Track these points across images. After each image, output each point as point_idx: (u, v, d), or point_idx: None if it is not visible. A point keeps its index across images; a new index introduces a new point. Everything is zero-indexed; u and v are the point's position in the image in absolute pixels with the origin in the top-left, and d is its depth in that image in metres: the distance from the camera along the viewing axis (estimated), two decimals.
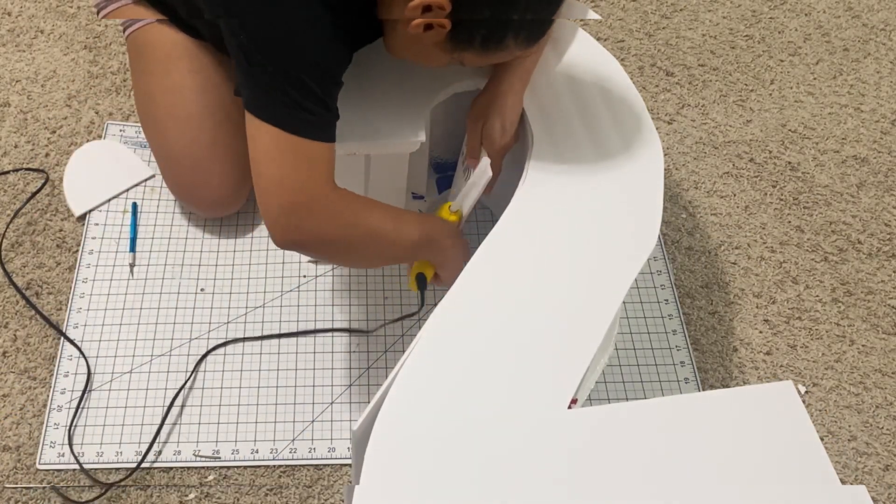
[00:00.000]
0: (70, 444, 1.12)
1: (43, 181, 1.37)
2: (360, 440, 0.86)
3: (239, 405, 1.18)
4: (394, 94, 1.18)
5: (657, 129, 1.16)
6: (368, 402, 1.19)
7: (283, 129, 0.91)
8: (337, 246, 1.00)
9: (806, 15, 1.79)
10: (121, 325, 1.24)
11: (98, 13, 1.29)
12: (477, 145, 1.15)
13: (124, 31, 1.29)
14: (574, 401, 0.92)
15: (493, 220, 1.36)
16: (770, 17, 1.78)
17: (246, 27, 0.91)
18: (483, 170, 1.14)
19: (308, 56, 0.91)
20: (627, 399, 1.22)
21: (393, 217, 1.01)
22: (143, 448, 1.12)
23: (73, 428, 1.13)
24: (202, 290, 1.29)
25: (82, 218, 1.35)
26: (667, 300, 1.32)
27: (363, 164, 1.18)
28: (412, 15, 0.89)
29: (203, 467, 1.12)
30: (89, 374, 1.18)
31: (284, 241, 0.94)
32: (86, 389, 1.17)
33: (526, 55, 1.07)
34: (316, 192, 0.94)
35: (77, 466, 1.10)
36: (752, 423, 0.88)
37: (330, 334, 1.25)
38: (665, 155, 1.49)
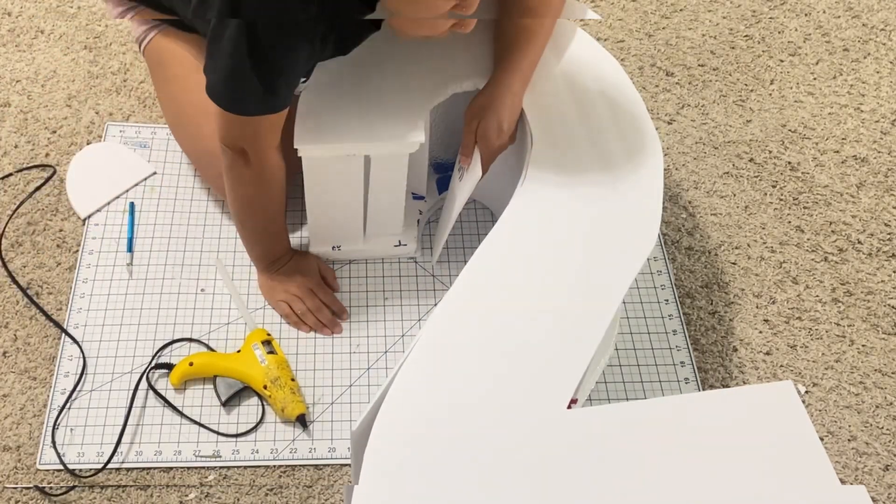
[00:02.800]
0: (54, 444, 1.12)
1: (49, 174, 1.38)
2: (359, 440, 0.86)
3: (240, 405, 1.18)
4: (394, 95, 1.18)
5: (657, 129, 1.16)
6: (368, 403, 1.20)
7: (230, 111, 1.04)
8: (223, 189, 1.20)
9: (806, 15, 1.79)
10: (121, 325, 1.24)
11: (140, 46, 1.31)
12: (471, 144, 1.15)
13: (139, 46, 1.29)
14: (574, 401, 0.92)
15: (494, 221, 1.37)
16: (770, 17, 1.78)
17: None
18: (474, 169, 1.14)
19: (273, 37, 0.99)
20: (627, 399, 1.22)
21: (255, 227, 1.22)
22: (143, 448, 1.13)
23: (55, 429, 1.13)
24: (202, 290, 1.29)
25: (87, 219, 1.35)
26: (667, 300, 1.32)
27: (363, 165, 1.18)
28: None
29: (203, 467, 1.12)
30: (83, 373, 1.18)
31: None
32: (76, 388, 1.17)
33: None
34: (238, 149, 1.10)
35: (76, 465, 1.10)
36: (752, 423, 0.88)
37: (330, 333, 1.26)
38: (665, 155, 1.49)
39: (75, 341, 1.21)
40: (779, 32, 1.75)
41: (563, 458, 0.84)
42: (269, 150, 1.10)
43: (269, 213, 1.21)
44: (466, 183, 1.17)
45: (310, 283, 1.26)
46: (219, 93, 1.04)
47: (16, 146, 1.42)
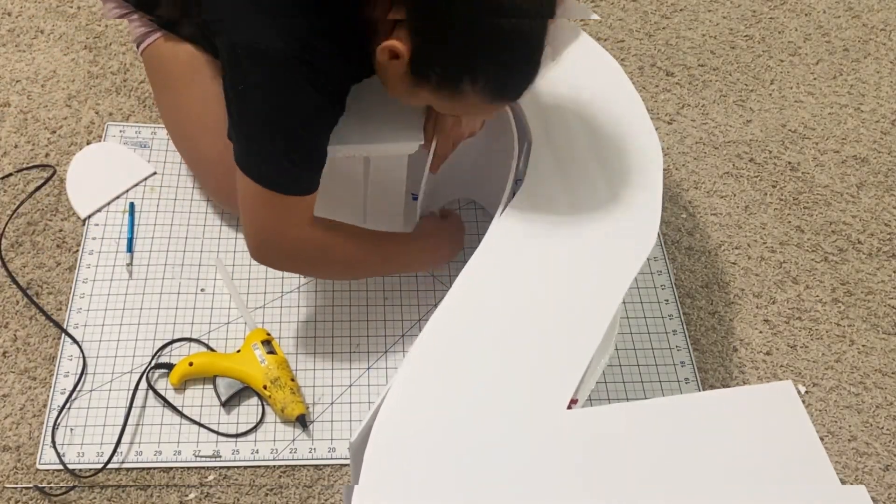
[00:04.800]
0: (54, 444, 1.12)
1: (49, 174, 1.38)
2: (359, 449, 0.86)
3: (239, 405, 1.18)
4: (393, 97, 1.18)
5: (657, 129, 1.16)
6: (369, 403, 1.20)
7: (262, 185, 1.00)
8: (311, 272, 1.21)
9: (806, 15, 1.79)
10: (121, 325, 1.24)
11: (137, 47, 1.30)
12: (430, 129, 1.16)
13: (138, 47, 1.29)
14: (574, 401, 0.92)
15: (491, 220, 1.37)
16: (770, 17, 1.78)
17: (250, 92, 0.98)
18: (430, 150, 1.16)
19: (302, 130, 1.00)
20: (627, 399, 1.22)
21: (374, 248, 1.16)
22: (143, 448, 1.13)
23: (55, 429, 1.13)
24: (202, 290, 1.29)
25: (87, 219, 1.35)
26: (667, 300, 1.33)
27: (362, 166, 1.18)
28: (381, 58, 0.95)
29: (203, 467, 1.12)
30: (82, 373, 1.18)
31: (260, 263, 1.11)
32: (76, 388, 1.17)
33: (493, 109, 1.06)
34: (286, 235, 1.05)
35: (75, 465, 1.10)
36: (752, 423, 0.88)
37: (330, 334, 1.25)
38: (665, 155, 1.49)
39: (75, 341, 1.21)
40: (779, 32, 1.75)
41: (563, 458, 0.84)
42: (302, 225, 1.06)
43: (359, 252, 1.14)
44: (425, 168, 1.19)
45: (444, 225, 1.28)
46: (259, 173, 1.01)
47: (16, 146, 1.42)
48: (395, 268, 1.26)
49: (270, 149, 0.99)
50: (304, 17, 0.95)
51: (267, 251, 1.08)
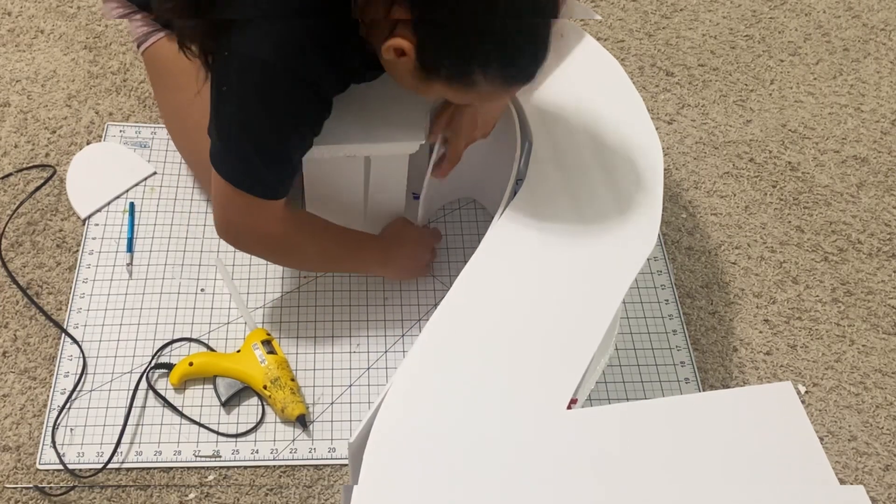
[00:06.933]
0: (54, 444, 1.12)
1: (49, 174, 1.38)
2: (359, 449, 0.86)
3: (239, 405, 1.18)
4: (394, 96, 1.18)
5: (657, 129, 1.16)
6: (369, 403, 1.20)
7: (234, 185, 1.03)
8: (273, 261, 1.24)
9: (806, 15, 1.79)
10: (121, 325, 1.24)
11: (139, 47, 1.30)
12: (440, 125, 1.15)
13: (139, 47, 1.29)
14: (574, 401, 0.92)
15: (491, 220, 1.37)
16: (770, 17, 1.78)
17: (233, 93, 0.99)
18: (436, 150, 1.16)
19: (275, 138, 1.02)
20: (627, 399, 1.22)
21: (343, 251, 1.20)
22: (143, 448, 1.13)
23: (55, 429, 1.13)
24: (202, 290, 1.29)
25: (87, 219, 1.35)
26: (667, 300, 1.33)
27: (363, 166, 1.18)
28: (388, 56, 0.94)
29: (203, 467, 1.12)
30: (82, 373, 1.18)
31: (224, 241, 1.13)
32: (76, 388, 1.17)
33: (510, 94, 1.02)
34: (252, 229, 1.09)
35: (75, 465, 1.10)
36: (751, 424, 0.88)
37: (330, 334, 1.25)
38: (665, 155, 1.49)
39: (75, 341, 1.21)
40: (779, 32, 1.75)
41: (563, 458, 0.84)
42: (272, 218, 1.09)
43: (322, 243, 1.18)
44: (429, 167, 1.19)
45: (418, 239, 1.28)
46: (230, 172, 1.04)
47: (16, 146, 1.42)
48: (356, 270, 1.29)
49: (242, 151, 1.01)
50: (301, 26, 0.95)
51: (232, 239, 1.12)
